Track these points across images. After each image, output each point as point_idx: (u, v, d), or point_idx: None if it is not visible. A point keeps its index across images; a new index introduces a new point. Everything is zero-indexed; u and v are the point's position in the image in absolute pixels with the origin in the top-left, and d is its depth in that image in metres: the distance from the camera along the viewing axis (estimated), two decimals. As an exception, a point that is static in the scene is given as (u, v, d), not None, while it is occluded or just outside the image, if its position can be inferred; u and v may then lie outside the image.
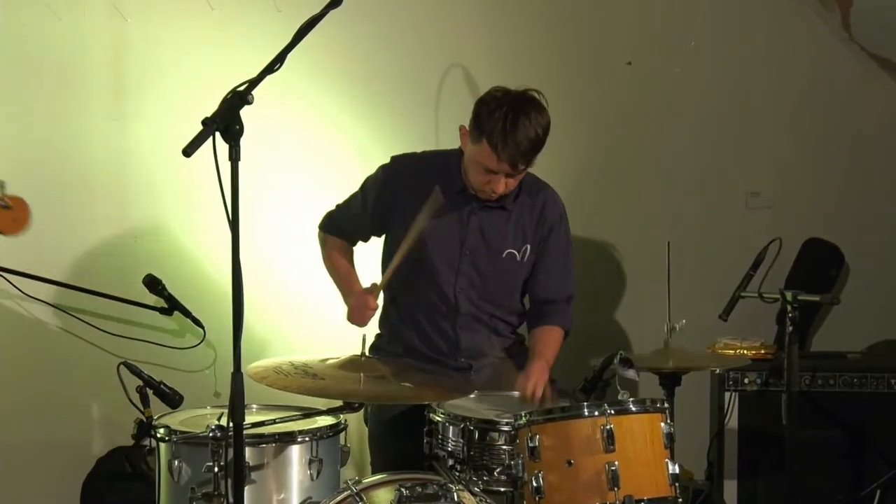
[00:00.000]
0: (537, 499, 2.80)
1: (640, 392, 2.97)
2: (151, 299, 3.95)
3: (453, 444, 3.07)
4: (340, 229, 3.63)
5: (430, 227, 3.30)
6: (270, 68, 2.58)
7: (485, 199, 3.42)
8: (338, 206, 3.64)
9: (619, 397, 2.90)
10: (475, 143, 3.29)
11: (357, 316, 3.33)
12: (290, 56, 2.59)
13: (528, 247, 3.51)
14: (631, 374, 3.00)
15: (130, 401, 3.45)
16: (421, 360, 3.46)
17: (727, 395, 4.14)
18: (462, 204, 3.45)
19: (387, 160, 3.58)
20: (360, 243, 3.69)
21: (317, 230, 3.68)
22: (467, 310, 3.50)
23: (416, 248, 3.32)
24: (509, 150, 3.22)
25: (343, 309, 3.46)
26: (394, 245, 3.46)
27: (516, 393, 3.31)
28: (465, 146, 3.37)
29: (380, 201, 3.51)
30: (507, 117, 3.22)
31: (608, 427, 2.78)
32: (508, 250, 3.49)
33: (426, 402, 3.16)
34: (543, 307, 3.56)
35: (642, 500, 2.78)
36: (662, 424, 2.87)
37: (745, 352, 4.14)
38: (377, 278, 3.43)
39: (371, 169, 3.59)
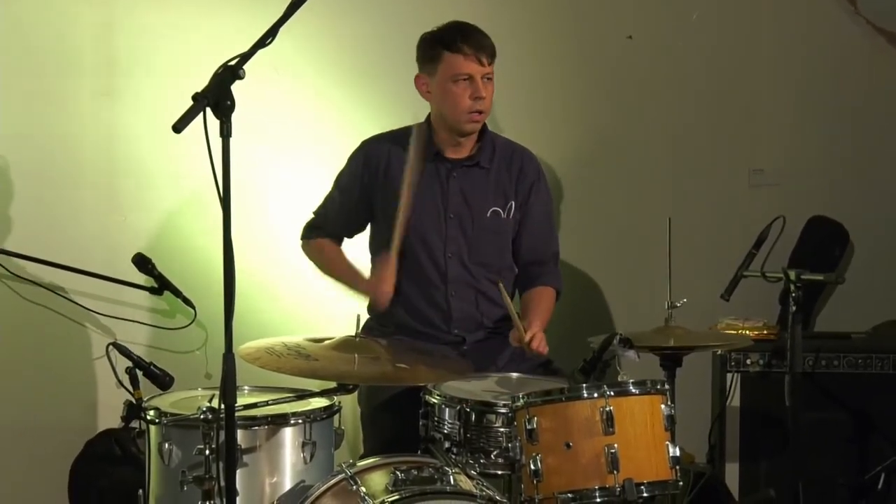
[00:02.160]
0: (535, 482, 2.76)
1: (640, 373, 2.98)
2: (141, 278, 3.90)
3: (449, 426, 3.02)
4: (324, 231, 3.62)
5: (414, 194, 3.37)
6: (262, 42, 2.54)
7: (467, 129, 3.45)
8: (315, 212, 3.65)
9: (619, 379, 2.87)
10: (436, 65, 3.42)
11: (378, 289, 3.35)
12: (282, 30, 2.55)
13: (513, 203, 3.54)
14: (631, 354, 2.97)
15: (120, 382, 3.44)
16: (412, 336, 3.46)
17: (729, 376, 4.10)
18: (440, 168, 3.50)
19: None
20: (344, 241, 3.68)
21: (300, 244, 3.66)
22: (458, 276, 3.50)
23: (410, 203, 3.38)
24: (471, 43, 3.38)
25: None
26: (383, 224, 3.48)
27: (514, 375, 3.29)
28: (427, 91, 3.48)
29: (360, 186, 3.54)
30: (455, 25, 3.44)
31: (608, 409, 2.75)
32: (492, 209, 3.52)
33: (422, 384, 3.12)
34: (531, 269, 3.57)
35: (642, 484, 2.75)
36: (663, 406, 2.84)
37: (748, 332, 4.10)
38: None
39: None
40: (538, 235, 3.58)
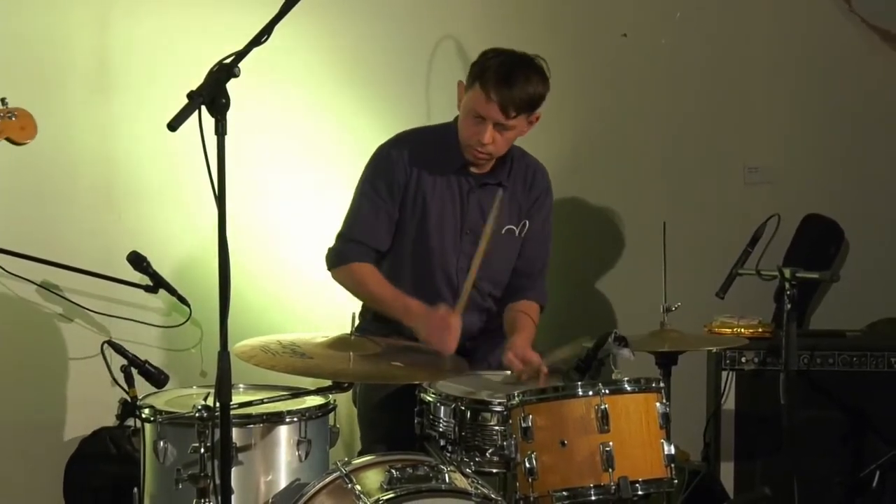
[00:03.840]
0: (530, 480, 2.77)
1: (635, 371, 2.98)
2: (136, 277, 3.88)
3: (445, 424, 3.02)
4: (360, 242, 3.41)
5: (432, 206, 3.32)
6: (257, 40, 2.53)
7: (472, 160, 3.38)
8: (345, 223, 3.45)
9: (614, 377, 2.87)
10: (469, 90, 3.30)
11: (440, 338, 3.14)
12: (277, 28, 2.53)
13: (526, 222, 3.49)
14: (626, 353, 2.96)
15: (115, 380, 3.43)
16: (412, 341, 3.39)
17: (724, 374, 4.10)
18: (461, 182, 3.43)
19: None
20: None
21: (330, 272, 3.46)
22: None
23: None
24: (501, 92, 3.21)
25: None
26: (398, 238, 3.40)
27: (509, 373, 3.26)
28: (460, 102, 3.36)
29: (398, 180, 3.38)
30: (505, 64, 3.26)
31: (603, 407, 2.75)
32: (507, 227, 3.47)
33: (417, 382, 3.12)
34: (518, 281, 3.53)
35: (637, 482, 2.75)
36: (658, 404, 2.84)
37: (743, 330, 4.09)
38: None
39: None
40: (534, 246, 3.53)
